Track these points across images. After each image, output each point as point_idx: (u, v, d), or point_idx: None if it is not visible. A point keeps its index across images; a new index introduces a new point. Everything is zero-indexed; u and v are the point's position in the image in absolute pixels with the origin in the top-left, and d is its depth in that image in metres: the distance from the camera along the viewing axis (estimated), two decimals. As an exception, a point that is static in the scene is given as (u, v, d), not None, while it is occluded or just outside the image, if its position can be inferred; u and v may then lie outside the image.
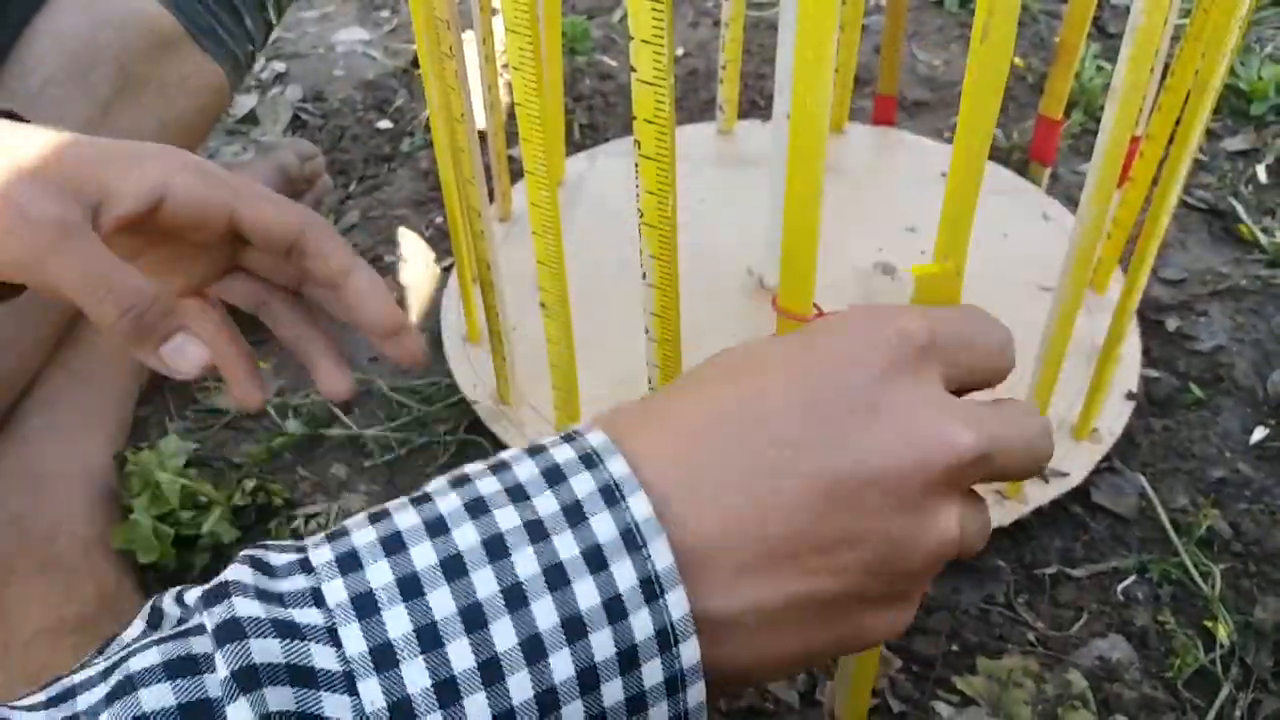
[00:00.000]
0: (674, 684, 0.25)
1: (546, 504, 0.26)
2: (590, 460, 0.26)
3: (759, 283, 0.85)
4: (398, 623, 0.23)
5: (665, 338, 0.52)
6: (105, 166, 0.39)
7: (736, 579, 0.26)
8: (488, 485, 0.26)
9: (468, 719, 0.23)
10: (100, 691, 0.23)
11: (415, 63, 1.19)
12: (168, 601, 0.26)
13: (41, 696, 0.24)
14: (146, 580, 0.68)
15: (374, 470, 0.77)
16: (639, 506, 0.25)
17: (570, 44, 1.20)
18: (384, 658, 0.23)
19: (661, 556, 0.25)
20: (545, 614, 0.24)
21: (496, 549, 0.25)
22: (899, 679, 0.64)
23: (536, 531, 0.25)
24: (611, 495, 0.26)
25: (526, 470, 0.27)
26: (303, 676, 0.23)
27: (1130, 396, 0.77)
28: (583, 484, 0.26)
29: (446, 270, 0.92)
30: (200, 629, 0.24)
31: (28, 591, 0.60)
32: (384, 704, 0.23)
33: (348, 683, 0.23)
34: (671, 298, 0.50)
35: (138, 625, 0.26)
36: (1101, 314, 0.80)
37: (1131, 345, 0.80)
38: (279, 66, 1.21)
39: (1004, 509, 0.69)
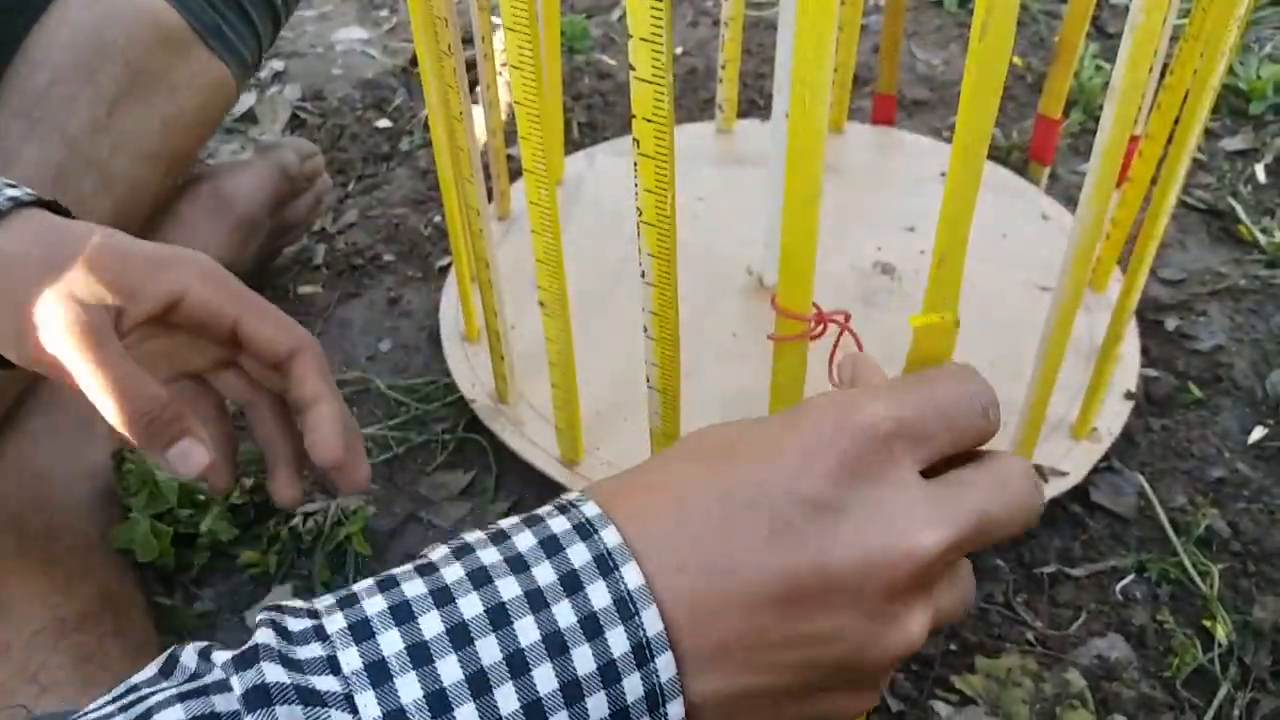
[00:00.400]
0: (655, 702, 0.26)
1: (545, 574, 0.27)
2: (585, 530, 0.28)
3: (758, 282, 0.85)
4: (409, 689, 0.25)
5: (664, 336, 0.52)
6: (131, 271, 0.41)
7: (698, 667, 0.27)
8: (489, 555, 0.28)
9: None
10: None
11: (414, 61, 1.19)
12: (188, 654, 0.27)
13: None
14: (146, 579, 0.68)
15: (373, 469, 0.77)
16: (631, 576, 0.27)
17: (569, 43, 1.20)
18: None
19: (652, 624, 0.26)
20: (545, 679, 0.26)
21: (499, 618, 0.26)
22: (897, 678, 0.64)
23: (536, 600, 0.27)
24: (605, 564, 0.27)
25: (525, 541, 0.28)
26: None
27: (1129, 396, 0.77)
28: (579, 554, 0.27)
29: (445, 269, 0.92)
30: (222, 686, 0.25)
31: (28, 591, 0.60)
32: None
33: None
34: (670, 296, 0.50)
35: (151, 669, 0.27)
36: (1100, 313, 0.80)
37: (1130, 345, 0.81)
38: (278, 65, 1.21)
39: (1003, 508, 0.69)
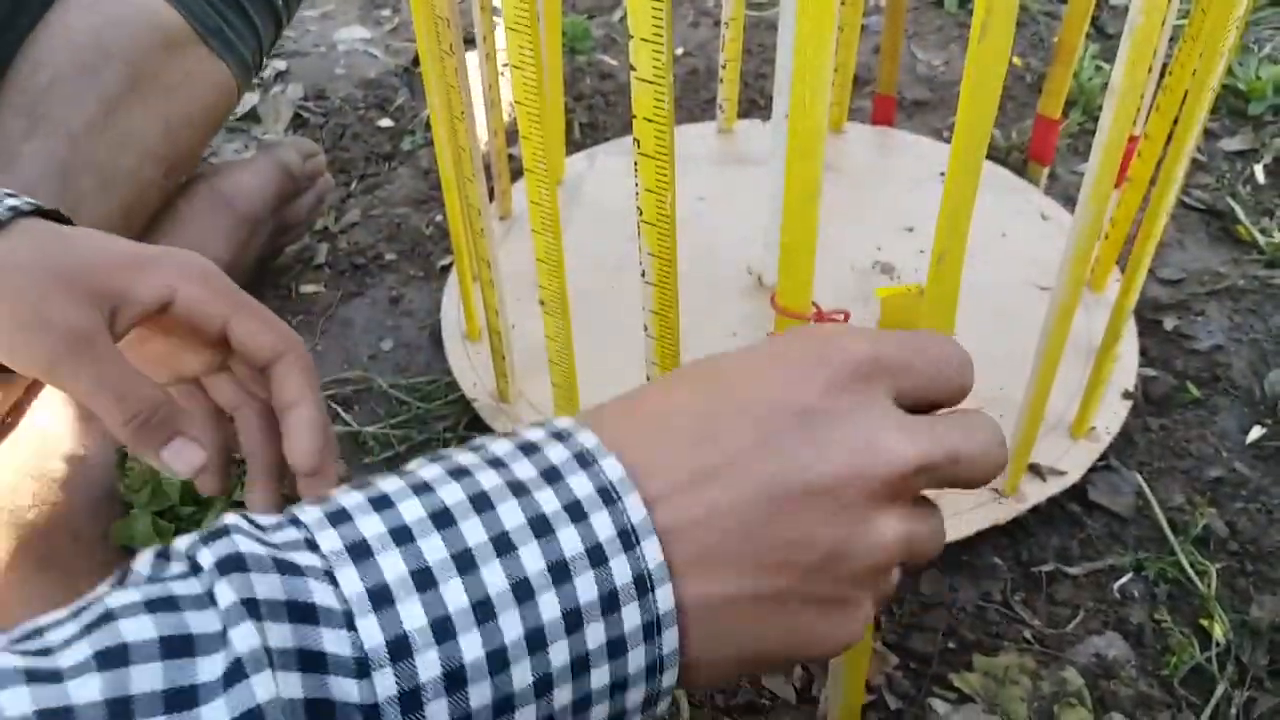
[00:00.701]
0: (651, 629, 0.26)
1: (525, 469, 0.27)
2: (562, 436, 0.28)
3: (758, 281, 0.85)
4: (393, 566, 0.24)
5: (664, 335, 0.53)
6: (124, 273, 0.42)
7: (686, 571, 0.27)
8: (467, 458, 0.27)
9: (463, 655, 0.24)
10: (72, 628, 0.23)
11: (416, 61, 1.20)
12: (142, 560, 0.26)
13: (2, 638, 0.23)
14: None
15: (374, 467, 0.77)
16: (611, 468, 0.27)
17: (570, 43, 1.20)
18: (381, 598, 0.24)
19: (636, 510, 0.26)
20: (532, 559, 0.25)
21: (482, 503, 0.26)
22: (896, 676, 0.64)
23: (519, 489, 0.26)
24: (585, 459, 0.27)
25: (503, 447, 0.28)
26: (303, 612, 0.23)
27: (1127, 395, 0.77)
28: (557, 453, 0.27)
29: (446, 268, 0.93)
30: (184, 576, 0.24)
31: (29, 589, 0.60)
32: (381, 640, 0.23)
33: (346, 620, 0.23)
34: (670, 295, 0.50)
35: (105, 586, 0.26)
36: (1099, 313, 0.80)
37: (1129, 344, 0.81)
38: (280, 65, 1.21)
39: (1001, 507, 0.70)
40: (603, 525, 0.26)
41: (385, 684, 0.23)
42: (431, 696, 0.24)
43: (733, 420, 0.29)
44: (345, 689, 0.23)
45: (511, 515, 0.26)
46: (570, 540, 0.26)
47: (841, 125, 1.01)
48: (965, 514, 0.69)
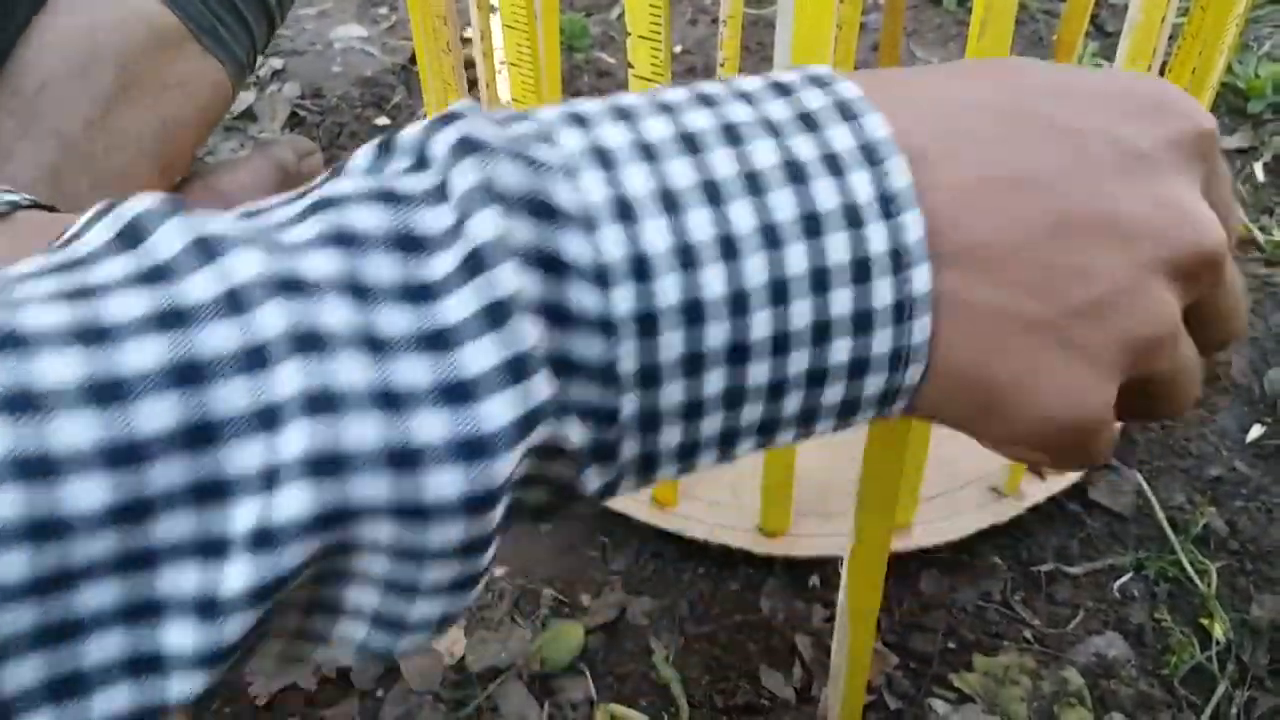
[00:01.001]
0: (902, 310, 0.23)
1: (779, 110, 0.24)
2: (819, 81, 0.24)
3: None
4: (637, 180, 0.22)
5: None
6: None
7: (945, 262, 0.23)
8: (710, 87, 0.24)
9: (703, 290, 0.21)
10: (293, 208, 0.21)
11: (413, 59, 1.19)
12: (362, 153, 0.23)
13: (229, 215, 0.21)
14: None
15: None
16: (876, 126, 0.23)
17: (568, 41, 1.20)
18: (625, 209, 0.21)
19: (900, 176, 0.23)
20: (783, 205, 0.22)
21: (732, 135, 0.23)
22: (896, 676, 0.64)
23: (771, 128, 0.23)
24: (846, 111, 0.24)
25: (751, 83, 0.24)
26: (542, 209, 0.21)
27: (1127, 394, 0.77)
28: (814, 98, 0.24)
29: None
30: (412, 171, 0.22)
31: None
32: (624, 254, 0.21)
33: (587, 225, 0.21)
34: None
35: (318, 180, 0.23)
36: (1099, 312, 0.80)
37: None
38: (277, 63, 1.21)
39: (1001, 506, 0.69)
40: (861, 185, 0.23)
41: (624, 301, 0.21)
42: (668, 326, 0.21)
43: (1047, 135, 0.25)
44: (584, 298, 0.20)
45: (764, 154, 0.22)
46: (826, 193, 0.22)
47: (840, 123, 1.01)
48: (965, 513, 0.69)
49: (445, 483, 0.19)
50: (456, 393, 0.19)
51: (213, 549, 0.18)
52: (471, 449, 0.19)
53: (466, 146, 0.21)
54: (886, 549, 0.46)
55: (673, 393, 0.22)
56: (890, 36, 0.97)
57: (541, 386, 0.20)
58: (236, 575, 0.18)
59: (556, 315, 0.20)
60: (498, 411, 0.19)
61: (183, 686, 0.18)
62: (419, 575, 0.20)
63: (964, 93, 0.26)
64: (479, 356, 0.19)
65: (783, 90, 0.24)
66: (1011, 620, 0.67)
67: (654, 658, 0.65)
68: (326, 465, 0.18)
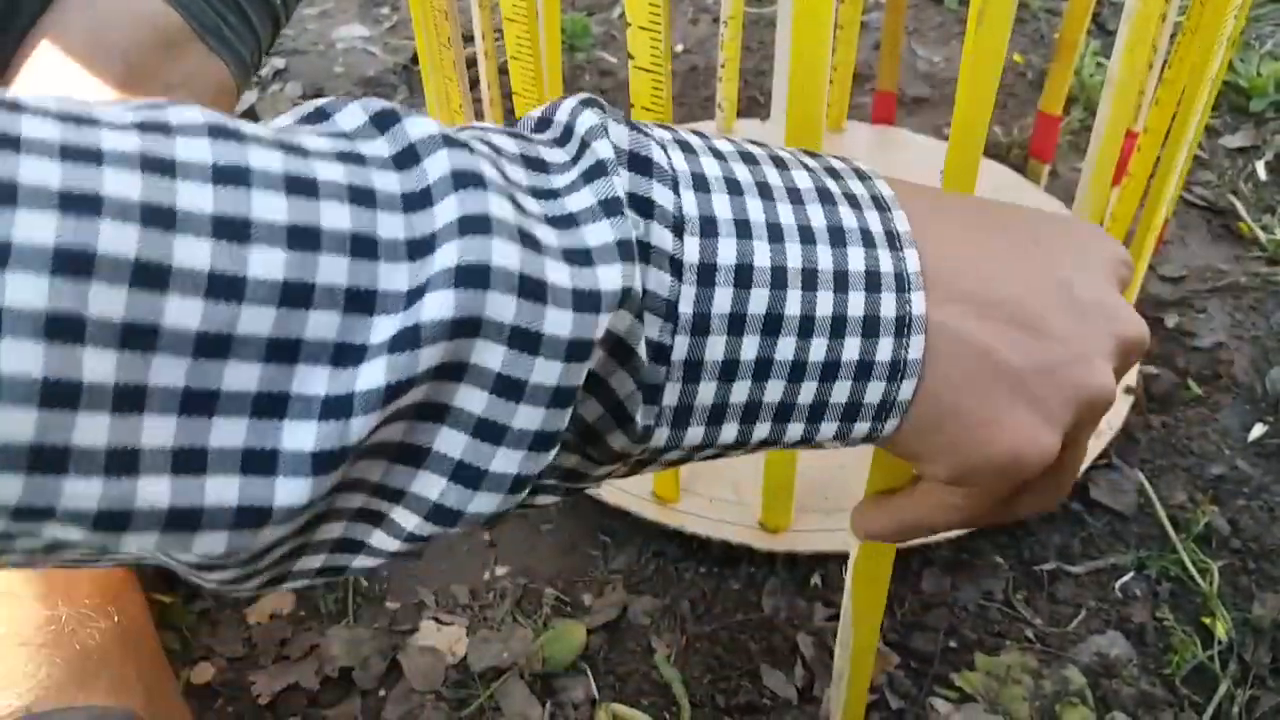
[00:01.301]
0: (902, 325, 0.27)
1: (815, 163, 0.29)
2: (861, 175, 0.30)
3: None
4: (710, 167, 0.26)
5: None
6: None
7: (933, 298, 0.28)
8: (801, 178, 0.29)
9: (753, 258, 0.25)
10: (571, 171, 0.25)
11: (415, 59, 1.19)
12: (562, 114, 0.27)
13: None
14: (147, 575, 0.68)
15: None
16: (883, 186, 0.29)
17: (570, 40, 1.20)
18: (700, 183, 0.26)
19: (902, 223, 0.28)
20: (816, 215, 0.27)
21: (779, 162, 0.28)
22: (897, 675, 0.64)
23: (807, 167, 0.28)
24: (863, 174, 0.29)
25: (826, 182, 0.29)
26: (642, 164, 0.25)
27: (1129, 391, 0.77)
28: (838, 164, 0.29)
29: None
30: (555, 142, 0.26)
31: (29, 589, 0.60)
32: (696, 214, 0.25)
33: (674, 183, 0.25)
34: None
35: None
36: (1100, 310, 0.79)
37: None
38: (279, 63, 1.21)
39: (1002, 505, 0.69)
40: (873, 220, 0.28)
41: (691, 250, 0.25)
42: (722, 281, 0.25)
43: (1018, 236, 0.31)
44: (663, 238, 0.24)
45: (802, 179, 0.28)
46: (847, 216, 0.27)
47: (842, 123, 1.01)
48: (966, 512, 0.69)
49: (560, 320, 0.22)
50: (578, 257, 0.23)
51: (349, 355, 0.20)
52: (586, 300, 0.22)
53: (587, 103, 0.26)
54: (892, 553, 0.46)
55: (715, 347, 0.25)
56: (891, 35, 0.97)
57: (635, 274, 0.23)
58: (371, 375, 0.20)
59: (642, 249, 0.24)
60: (607, 276, 0.22)
61: (289, 491, 0.20)
62: (511, 416, 0.22)
63: (949, 200, 0.31)
64: (598, 231, 0.23)
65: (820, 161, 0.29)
66: (1013, 619, 0.67)
67: (655, 657, 0.65)
68: (473, 275, 0.21)
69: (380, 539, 0.24)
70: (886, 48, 0.98)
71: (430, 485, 0.23)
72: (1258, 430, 0.78)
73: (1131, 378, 0.78)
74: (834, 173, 0.28)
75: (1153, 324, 0.86)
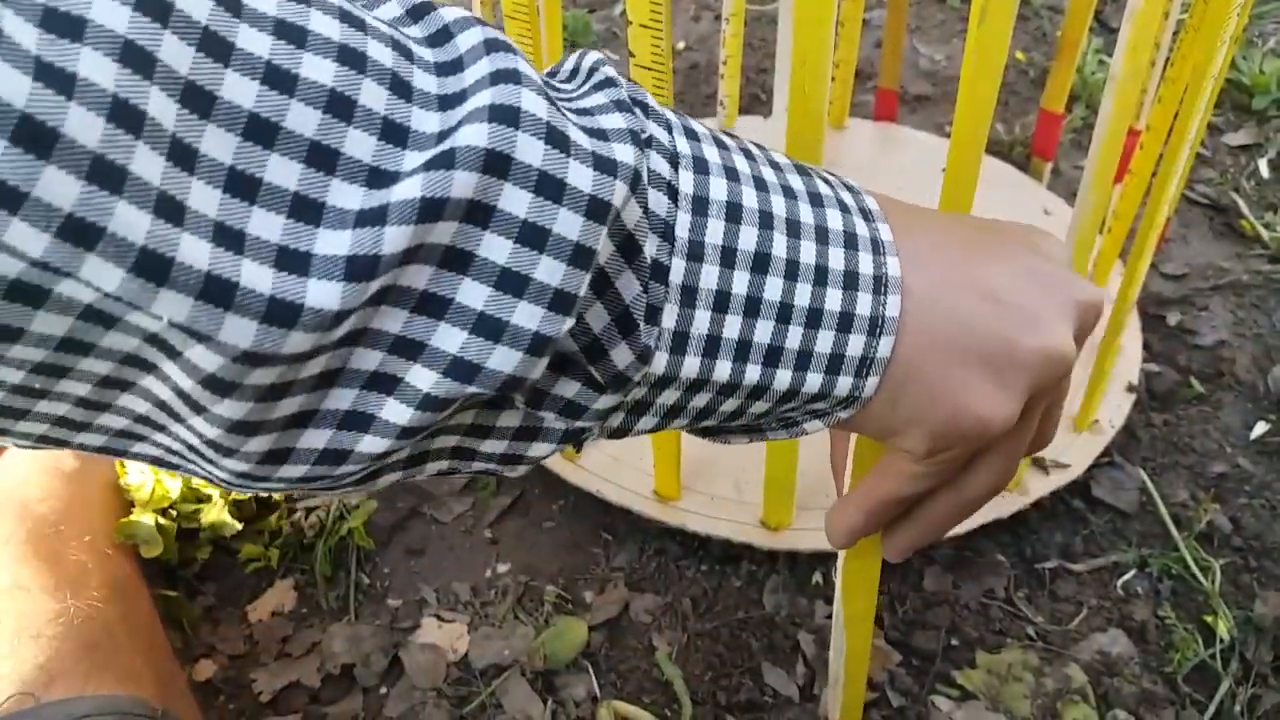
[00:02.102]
0: (880, 284, 0.29)
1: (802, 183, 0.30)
2: (851, 189, 0.31)
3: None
4: (698, 127, 0.28)
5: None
6: None
7: (905, 265, 0.30)
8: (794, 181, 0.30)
9: (741, 198, 0.27)
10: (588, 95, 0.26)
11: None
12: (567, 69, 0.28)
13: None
14: (150, 573, 0.68)
15: (374, 463, 0.77)
16: (856, 183, 0.31)
17: (571, 38, 1.20)
18: (690, 133, 0.27)
19: (873, 201, 0.30)
20: (796, 182, 0.29)
21: (760, 146, 0.30)
22: (898, 673, 0.64)
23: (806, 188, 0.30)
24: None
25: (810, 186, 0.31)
26: (644, 141, 0.25)
27: (1131, 389, 0.77)
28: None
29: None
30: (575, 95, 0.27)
31: (39, 581, 0.60)
32: (688, 153, 0.27)
33: (672, 160, 0.26)
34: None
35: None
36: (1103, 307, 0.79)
37: (1132, 338, 0.80)
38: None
39: (1004, 502, 0.69)
40: (847, 198, 0.30)
41: (686, 181, 0.26)
42: (714, 214, 0.26)
43: (980, 226, 0.33)
44: (660, 165, 0.26)
45: (783, 158, 0.30)
46: (824, 188, 0.29)
47: (844, 121, 1.01)
48: (968, 510, 0.69)
49: (582, 174, 0.23)
50: (596, 134, 0.24)
51: (382, 179, 0.21)
52: (605, 163, 0.23)
53: (588, 58, 0.28)
54: (879, 556, 0.46)
55: (709, 276, 0.26)
56: (893, 33, 0.97)
57: (645, 164, 0.25)
58: (407, 189, 0.21)
59: (638, 176, 0.25)
60: (621, 150, 0.24)
61: (321, 293, 0.21)
62: (534, 267, 0.23)
63: (921, 209, 0.33)
64: (611, 120, 0.25)
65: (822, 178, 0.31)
66: (1014, 617, 0.67)
67: (657, 655, 0.65)
68: (505, 114, 0.22)
69: (392, 409, 0.24)
70: (888, 45, 0.98)
71: (450, 338, 0.23)
72: (1260, 428, 0.78)
73: (1133, 374, 0.78)
74: (802, 169, 0.30)
75: (1154, 322, 0.86)
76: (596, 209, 0.23)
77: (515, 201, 0.22)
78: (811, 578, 0.69)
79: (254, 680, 0.64)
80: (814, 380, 0.29)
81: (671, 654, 0.65)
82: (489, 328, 0.23)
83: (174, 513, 0.69)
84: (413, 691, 0.63)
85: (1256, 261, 0.92)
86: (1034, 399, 0.32)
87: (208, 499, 0.70)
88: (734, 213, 0.27)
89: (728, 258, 0.27)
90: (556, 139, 0.22)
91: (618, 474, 0.71)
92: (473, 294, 0.23)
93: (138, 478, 0.69)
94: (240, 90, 0.20)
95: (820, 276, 0.28)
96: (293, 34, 0.20)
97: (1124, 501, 0.73)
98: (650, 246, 0.25)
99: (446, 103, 0.22)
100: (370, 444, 0.24)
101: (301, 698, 0.64)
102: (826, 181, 0.30)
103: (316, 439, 0.24)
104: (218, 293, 0.20)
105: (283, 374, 0.22)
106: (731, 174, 0.27)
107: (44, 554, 0.62)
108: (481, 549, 0.71)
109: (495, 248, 0.22)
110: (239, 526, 0.70)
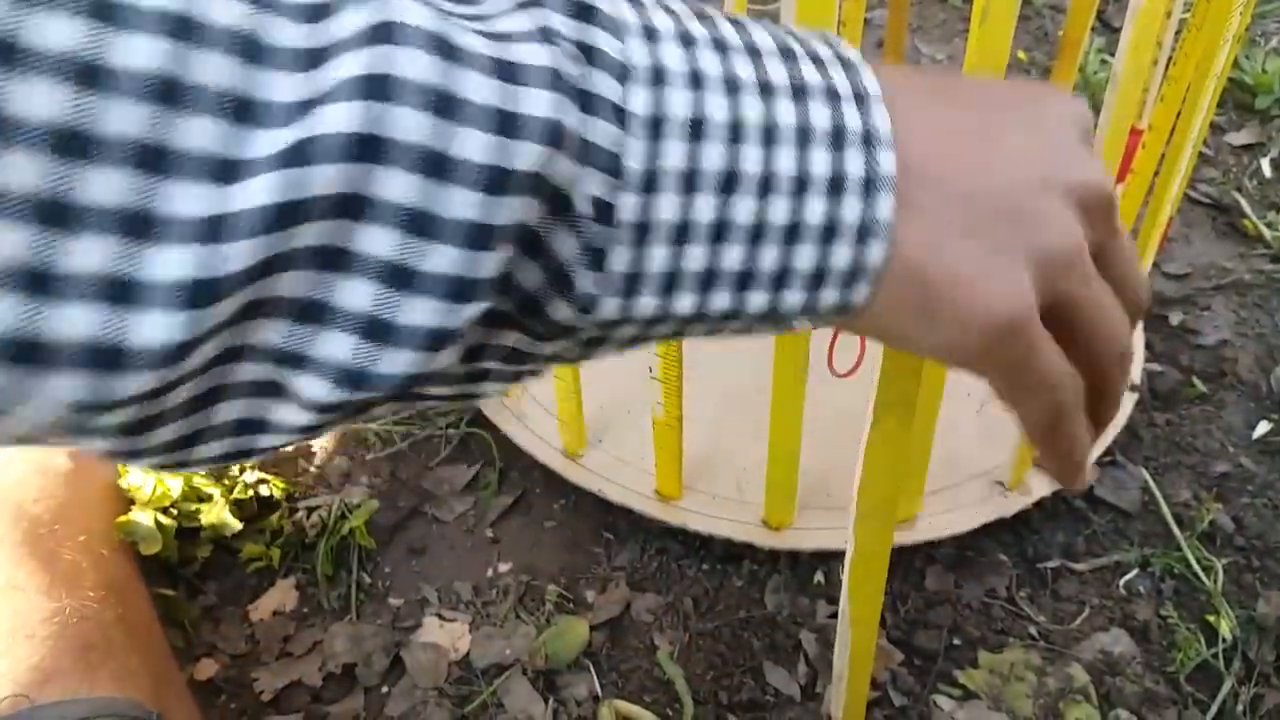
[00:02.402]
0: (870, 138, 0.25)
1: (779, 28, 0.27)
2: (829, 40, 0.27)
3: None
4: (662, 21, 0.24)
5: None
6: None
7: (913, 172, 0.26)
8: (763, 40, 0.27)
9: (707, 110, 0.23)
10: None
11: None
12: None
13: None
14: (150, 572, 0.68)
15: (375, 463, 0.77)
16: (847, 47, 0.27)
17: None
18: (650, 33, 0.24)
19: (871, 82, 0.26)
20: (777, 71, 0.25)
21: (738, 24, 0.26)
22: (900, 672, 0.64)
23: (768, 29, 0.26)
24: (829, 39, 0.27)
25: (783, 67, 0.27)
26: (584, 11, 0.23)
27: (1133, 388, 0.77)
28: (808, 33, 0.27)
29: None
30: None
31: (35, 580, 0.60)
32: (644, 64, 0.23)
33: (616, 32, 0.23)
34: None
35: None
36: (1104, 308, 0.79)
37: (1135, 338, 0.80)
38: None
39: (1006, 501, 0.69)
40: (840, 79, 0.26)
41: (639, 101, 0.23)
42: (674, 135, 0.23)
43: (969, 103, 0.29)
44: (606, 85, 0.22)
45: (762, 38, 0.26)
46: (810, 74, 0.25)
47: (845, 120, 1.01)
48: (969, 507, 0.69)
49: (476, 143, 0.20)
50: (506, 71, 0.20)
51: (226, 171, 0.18)
52: (507, 123, 0.20)
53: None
54: (886, 557, 0.46)
55: (667, 207, 0.23)
56: (895, 33, 0.97)
57: (571, 110, 0.21)
58: (253, 192, 0.18)
59: (583, 97, 0.22)
60: (534, 100, 0.20)
61: (155, 328, 0.18)
62: (422, 258, 0.20)
63: (915, 75, 0.29)
64: (528, 52, 0.21)
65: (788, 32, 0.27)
66: (1017, 617, 0.67)
67: (658, 654, 0.65)
68: (377, 85, 0.19)
69: (286, 413, 0.22)
70: (890, 45, 0.98)
71: (337, 345, 0.21)
72: (1262, 428, 0.78)
73: (1136, 375, 0.78)
74: (796, 36, 0.27)
75: (1157, 321, 0.86)
76: (495, 181, 0.20)
77: (394, 187, 0.19)
78: (813, 577, 0.68)
79: (255, 679, 0.64)
80: (793, 298, 0.26)
81: (673, 653, 0.65)
82: (377, 329, 0.20)
83: (174, 511, 0.69)
84: (414, 691, 0.63)
85: (1259, 261, 0.92)
86: (1046, 282, 0.28)
87: (208, 498, 0.70)
88: (696, 129, 0.23)
89: (688, 182, 0.23)
90: (442, 104, 0.19)
91: (619, 473, 0.71)
92: (357, 294, 0.20)
93: (138, 478, 0.69)
94: (38, 98, 0.16)
95: (800, 187, 0.25)
96: (104, 12, 0.17)
97: (1126, 501, 0.73)
98: (592, 186, 0.22)
99: (314, 58, 0.19)
100: (272, 439, 0.23)
101: (303, 697, 0.64)
102: (817, 61, 0.26)
103: (212, 449, 0.22)
104: (25, 352, 0.17)
105: (141, 410, 0.19)
106: (695, 80, 0.24)
107: (39, 554, 0.62)
108: (483, 548, 0.71)
109: (376, 241, 0.20)
110: (240, 526, 0.70)
